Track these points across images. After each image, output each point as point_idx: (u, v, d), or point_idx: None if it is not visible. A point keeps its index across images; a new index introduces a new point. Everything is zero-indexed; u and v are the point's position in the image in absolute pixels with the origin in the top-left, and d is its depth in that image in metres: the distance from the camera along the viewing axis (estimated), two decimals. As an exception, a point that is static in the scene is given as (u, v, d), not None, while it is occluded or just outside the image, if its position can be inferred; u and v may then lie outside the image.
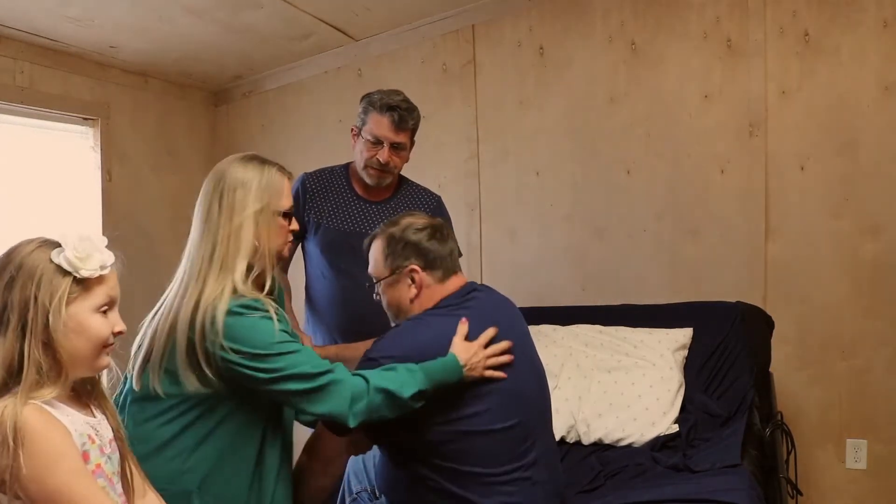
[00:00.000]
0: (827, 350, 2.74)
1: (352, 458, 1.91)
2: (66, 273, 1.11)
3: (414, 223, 1.65)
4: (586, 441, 2.27)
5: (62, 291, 1.10)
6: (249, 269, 1.46)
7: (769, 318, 2.59)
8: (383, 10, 3.04)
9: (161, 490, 1.33)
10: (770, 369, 2.59)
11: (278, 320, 1.42)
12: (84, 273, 1.12)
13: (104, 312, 1.16)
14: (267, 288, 1.49)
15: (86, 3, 2.44)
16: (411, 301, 1.62)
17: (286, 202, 1.52)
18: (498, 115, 3.17)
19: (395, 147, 2.15)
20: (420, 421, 1.49)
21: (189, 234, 1.49)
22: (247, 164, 1.49)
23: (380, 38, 3.28)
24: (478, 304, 1.63)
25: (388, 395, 1.42)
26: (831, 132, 2.71)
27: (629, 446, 2.20)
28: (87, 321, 1.13)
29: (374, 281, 1.69)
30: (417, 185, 2.37)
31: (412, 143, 2.23)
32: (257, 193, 1.47)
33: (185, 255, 1.48)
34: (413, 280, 1.61)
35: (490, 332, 1.56)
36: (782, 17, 2.75)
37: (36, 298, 1.08)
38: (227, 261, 1.43)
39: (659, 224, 2.95)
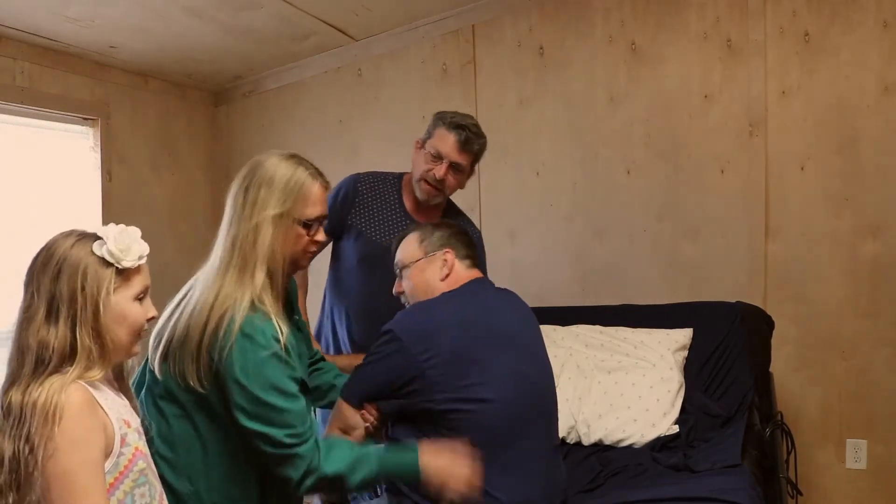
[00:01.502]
0: (827, 350, 2.74)
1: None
2: (108, 264, 1.17)
3: (448, 223, 1.86)
4: (587, 442, 2.27)
5: (107, 282, 1.17)
6: (269, 273, 1.42)
7: (769, 318, 2.58)
8: (383, 10, 3.04)
9: (177, 488, 1.35)
10: (770, 369, 2.59)
11: (287, 351, 1.40)
12: (125, 264, 1.19)
13: (140, 300, 1.23)
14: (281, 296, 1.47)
15: (86, 3, 2.44)
16: (442, 280, 1.74)
17: (311, 211, 1.45)
18: (498, 115, 3.17)
19: (453, 167, 2.10)
20: (431, 388, 1.55)
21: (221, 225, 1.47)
22: (281, 162, 1.44)
23: (380, 38, 3.28)
24: (490, 293, 1.77)
25: (338, 478, 1.43)
26: (831, 132, 2.71)
27: (630, 447, 2.20)
28: (127, 309, 1.20)
29: (403, 267, 1.80)
30: (464, 216, 2.33)
31: (472, 170, 2.18)
32: (280, 196, 1.41)
33: (216, 240, 1.46)
34: (446, 261, 1.75)
35: (466, 454, 1.55)
36: (782, 17, 2.75)
37: (83, 289, 1.15)
38: (248, 261, 1.40)
39: (659, 224, 2.95)
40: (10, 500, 1.08)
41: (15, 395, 1.10)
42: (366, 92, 3.35)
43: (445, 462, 1.47)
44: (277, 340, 1.38)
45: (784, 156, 2.77)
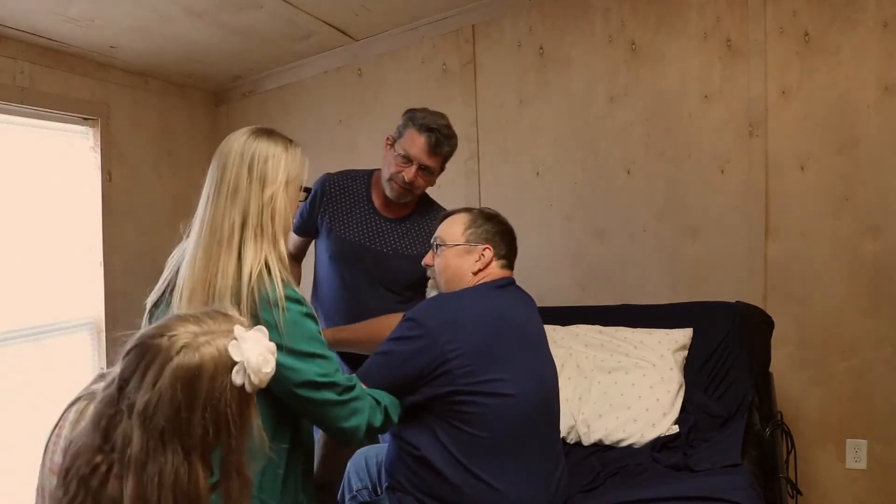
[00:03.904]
0: (827, 350, 2.74)
1: (353, 456, 1.93)
2: (250, 393, 1.03)
3: (501, 219, 1.84)
4: (587, 442, 2.27)
5: (255, 416, 1.05)
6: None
7: (769, 318, 2.58)
8: (383, 10, 3.03)
9: None
10: (770, 369, 2.59)
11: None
12: (264, 384, 1.05)
13: None
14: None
15: (86, 3, 2.43)
16: (474, 273, 1.76)
17: (305, 176, 1.52)
18: (498, 115, 3.17)
19: (423, 169, 2.10)
20: (452, 379, 1.56)
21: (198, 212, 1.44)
22: (269, 137, 1.46)
23: (380, 38, 3.28)
24: (514, 293, 1.80)
25: (386, 414, 1.50)
26: (831, 132, 2.71)
27: (630, 447, 2.20)
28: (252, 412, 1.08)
29: (440, 244, 1.81)
30: (439, 208, 2.30)
31: (442, 168, 2.18)
32: (286, 165, 1.44)
33: (194, 229, 1.43)
34: (483, 256, 1.76)
35: None
36: (782, 17, 2.75)
37: (232, 433, 1.00)
38: (266, 231, 1.40)
39: (659, 224, 2.95)
40: None
41: None
42: (366, 92, 3.35)
43: None
44: (309, 306, 1.42)
45: (784, 156, 2.77)
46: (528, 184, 3.14)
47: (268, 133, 1.47)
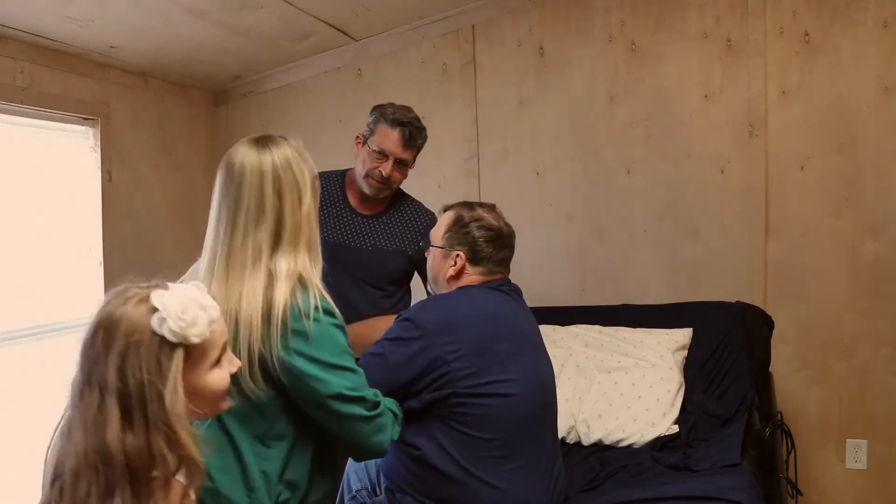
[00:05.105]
0: (827, 350, 2.74)
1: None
2: (174, 345, 0.98)
3: (486, 221, 1.74)
4: (586, 442, 2.27)
5: (175, 370, 0.97)
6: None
7: (769, 318, 2.59)
8: (383, 10, 3.03)
9: None
10: (770, 369, 2.59)
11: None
12: (195, 341, 0.99)
13: (220, 360, 1.06)
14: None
15: (86, 3, 2.43)
16: (448, 280, 1.73)
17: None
18: (498, 115, 3.17)
19: (398, 163, 2.14)
20: (453, 380, 1.55)
21: (214, 230, 1.38)
22: (276, 144, 1.39)
23: (380, 38, 3.28)
24: (508, 294, 1.74)
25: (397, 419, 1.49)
26: (831, 132, 2.71)
27: (629, 447, 2.20)
28: (206, 383, 1.04)
29: (428, 243, 1.80)
30: (413, 201, 2.34)
31: (413, 162, 2.22)
32: (305, 166, 1.39)
33: (205, 259, 1.37)
34: (455, 263, 1.71)
35: None
36: (782, 17, 2.75)
37: (151, 384, 0.95)
38: (301, 240, 1.35)
39: (659, 224, 2.95)
40: None
41: None
42: (366, 92, 3.34)
43: None
44: (340, 318, 1.38)
45: (784, 156, 2.77)
46: (528, 184, 3.14)
47: (272, 141, 1.40)
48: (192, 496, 1.02)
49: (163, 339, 0.97)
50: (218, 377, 1.06)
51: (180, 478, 0.98)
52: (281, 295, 1.29)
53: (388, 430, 1.42)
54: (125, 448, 0.93)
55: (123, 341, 0.96)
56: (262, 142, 1.39)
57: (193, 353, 1.01)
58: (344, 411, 1.33)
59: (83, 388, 0.97)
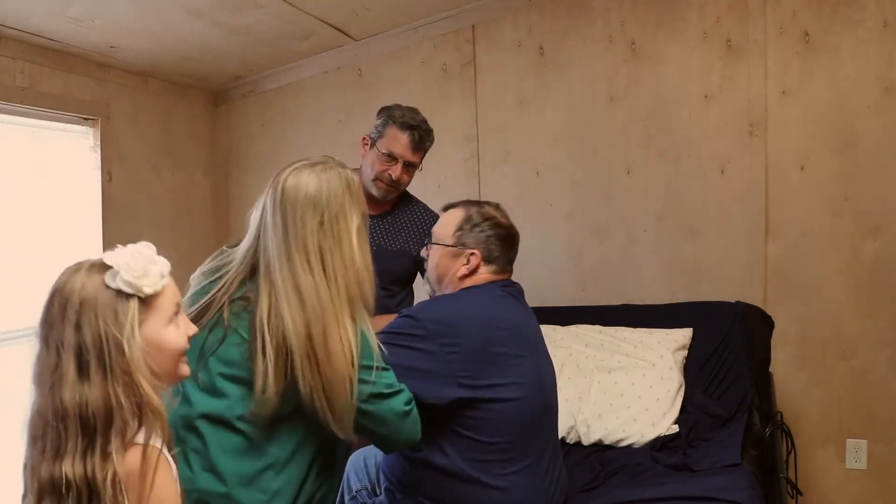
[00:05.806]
0: (827, 350, 2.74)
1: (352, 456, 1.92)
2: (128, 296, 1.03)
3: (498, 220, 1.73)
4: (586, 442, 2.27)
5: (131, 318, 1.02)
6: None
7: (769, 318, 2.59)
8: (383, 10, 3.03)
9: None
10: (770, 369, 2.59)
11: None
12: (147, 290, 1.04)
13: (174, 321, 1.10)
14: None
15: (86, 3, 2.43)
16: (460, 278, 1.69)
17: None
18: (498, 115, 3.17)
19: (407, 165, 2.15)
20: (453, 382, 1.53)
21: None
22: (333, 165, 1.45)
23: (380, 38, 3.28)
24: (513, 295, 1.73)
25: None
26: (831, 132, 2.71)
27: (629, 447, 2.20)
28: (163, 338, 1.07)
29: (433, 240, 1.76)
30: (418, 203, 2.35)
31: (421, 163, 2.23)
32: (355, 199, 1.44)
33: (275, 251, 1.39)
34: (468, 262, 1.68)
35: None
36: (782, 16, 2.75)
37: (107, 334, 1.00)
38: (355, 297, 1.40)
39: (659, 224, 2.95)
40: None
41: (72, 468, 0.97)
42: (366, 92, 3.34)
43: None
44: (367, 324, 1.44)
45: (784, 156, 2.77)
46: (528, 184, 3.14)
47: (325, 164, 1.48)
48: (159, 446, 1.04)
49: (118, 291, 1.02)
50: (175, 334, 1.10)
51: (140, 439, 1.02)
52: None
53: (419, 424, 1.48)
54: (79, 401, 0.98)
55: (78, 299, 1.01)
56: (335, 170, 1.49)
57: (148, 306, 1.05)
58: (383, 409, 1.40)
59: (42, 354, 1.03)
